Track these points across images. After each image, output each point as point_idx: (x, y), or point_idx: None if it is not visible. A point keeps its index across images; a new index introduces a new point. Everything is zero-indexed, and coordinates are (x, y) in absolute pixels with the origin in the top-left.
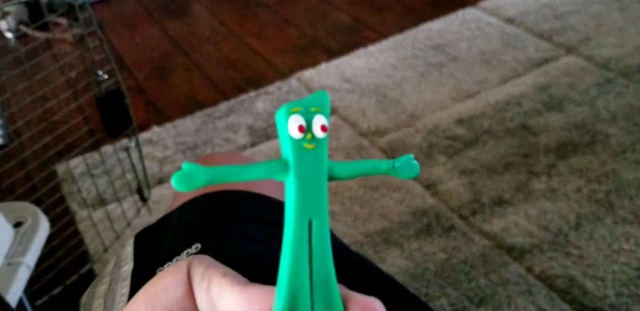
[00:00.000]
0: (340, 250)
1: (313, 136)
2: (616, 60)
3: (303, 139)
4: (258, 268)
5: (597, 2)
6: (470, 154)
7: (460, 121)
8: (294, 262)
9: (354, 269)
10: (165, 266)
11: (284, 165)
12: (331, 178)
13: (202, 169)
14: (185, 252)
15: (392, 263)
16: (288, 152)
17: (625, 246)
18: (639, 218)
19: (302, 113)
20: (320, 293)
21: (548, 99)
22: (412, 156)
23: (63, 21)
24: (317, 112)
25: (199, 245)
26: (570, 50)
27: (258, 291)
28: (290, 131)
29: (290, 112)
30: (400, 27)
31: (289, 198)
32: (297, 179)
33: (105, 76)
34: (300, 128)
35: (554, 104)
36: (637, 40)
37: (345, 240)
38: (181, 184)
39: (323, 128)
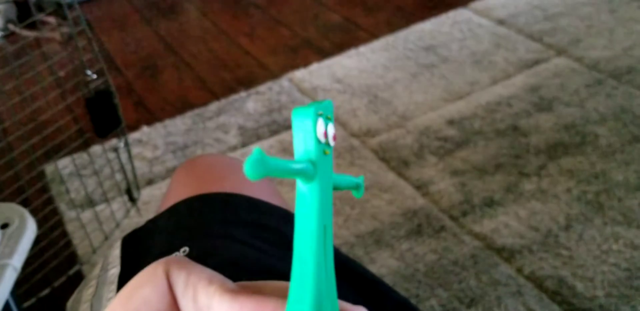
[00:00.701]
0: None
1: (328, 143)
2: (606, 61)
3: (324, 144)
4: (247, 271)
5: (587, 3)
6: (461, 155)
7: (451, 122)
8: (318, 269)
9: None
10: None
11: (314, 167)
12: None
13: (268, 160)
14: (173, 255)
15: (383, 263)
16: (312, 155)
17: (615, 247)
18: (629, 218)
19: (323, 118)
20: (329, 297)
21: (538, 100)
22: (363, 177)
23: (52, 20)
24: (329, 120)
25: (187, 248)
26: (560, 51)
27: (251, 302)
28: (318, 133)
29: (318, 115)
30: (392, 28)
31: (309, 203)
32: (320, 184)
33: (94, 76)
34: (325, 133)
35: (544, 105)
36: (626, 42)
37: (336, 241)
38: (253, 171)
39: (334, 137)
